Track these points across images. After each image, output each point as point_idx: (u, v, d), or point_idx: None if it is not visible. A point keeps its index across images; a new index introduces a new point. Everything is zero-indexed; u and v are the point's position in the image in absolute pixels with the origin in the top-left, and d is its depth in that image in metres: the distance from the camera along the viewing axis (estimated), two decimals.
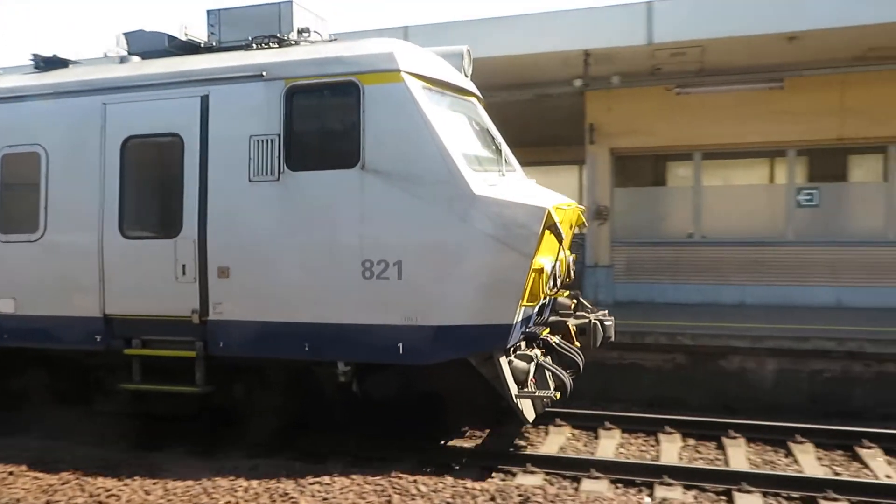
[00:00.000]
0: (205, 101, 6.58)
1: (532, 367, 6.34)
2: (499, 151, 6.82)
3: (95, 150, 6.87)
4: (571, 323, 7.25)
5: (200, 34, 7.62)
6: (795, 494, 6.07)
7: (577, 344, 7.20)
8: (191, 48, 7.47)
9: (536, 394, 6.36)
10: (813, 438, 7.44)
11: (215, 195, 6.47)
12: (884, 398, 8.77)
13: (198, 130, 6.56)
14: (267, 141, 6.34)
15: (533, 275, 6.02)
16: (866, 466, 6.87)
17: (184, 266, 6.53)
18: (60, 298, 6.97)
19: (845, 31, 9.83)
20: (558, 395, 6.54)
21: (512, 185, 6.52)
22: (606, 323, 7.33)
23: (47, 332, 7.03)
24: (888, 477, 6.54)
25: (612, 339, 7.55)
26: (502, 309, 5.99)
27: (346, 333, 6.20)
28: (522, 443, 7.51)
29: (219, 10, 7.32)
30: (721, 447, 7.43)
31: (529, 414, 6.50)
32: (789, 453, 7.25)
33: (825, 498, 5.91)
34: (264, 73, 6.42)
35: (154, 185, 6.86)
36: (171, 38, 7.41)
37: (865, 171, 12.83)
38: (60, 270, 6.95)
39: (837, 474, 6.69)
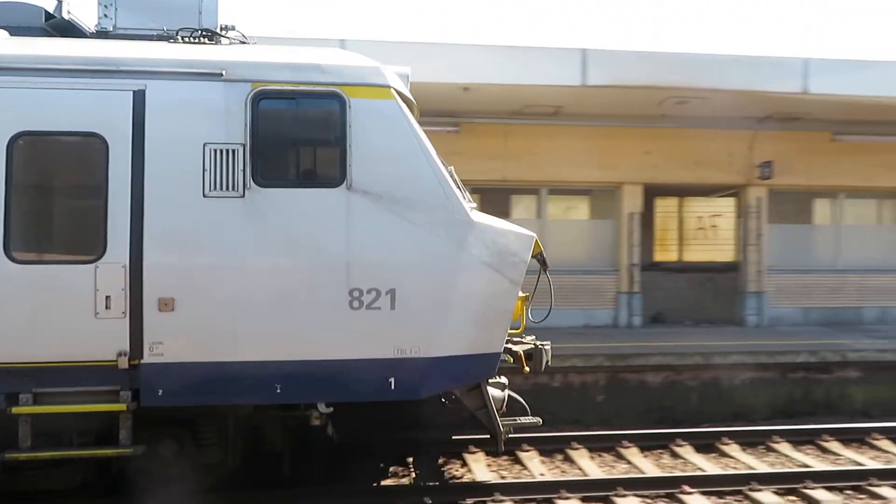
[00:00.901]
0: (139, 96, 5.42)
1: (506, 394, 6.41)
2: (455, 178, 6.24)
3: None
4: (520, 348, 6.90)
5: (85, 16, 6.37)
6: None
7: (527, 369, 6.83)
8: (74, 31, 6.20)
9: (521, 421, 6.41)
10: None
11: (156, 211, 5.34)
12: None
13: (129, 131, 5.39)
14: (227, 151, 5.47)
15: (518, 302, 6.01)
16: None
17: (107, 297, 5.28)
18: None
19: (506, 87, 11.47)
20: (540, 420, 6.61)
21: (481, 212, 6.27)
22: (547, 348, 7.00)
23: None
24: None
25: (549, 364, 7.20)
26: (494, 337, 5.89)
27: (328, 370, 5.57)
28: (460, 473, 7.45)
29: None
30: None
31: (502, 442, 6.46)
32: None
33: None
34: (224, 72, 5.53)
35: (60, 196, 5.60)
36: (49, 16, 6.15)
37: (523, 208, 14.65)
38: None
39: None
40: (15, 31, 5.90)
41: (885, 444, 8.27)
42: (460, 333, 5.75)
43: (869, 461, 7.66)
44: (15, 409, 5.18)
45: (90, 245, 5.31)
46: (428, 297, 5.64)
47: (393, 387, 5.65)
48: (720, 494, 6.62)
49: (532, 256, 5.96)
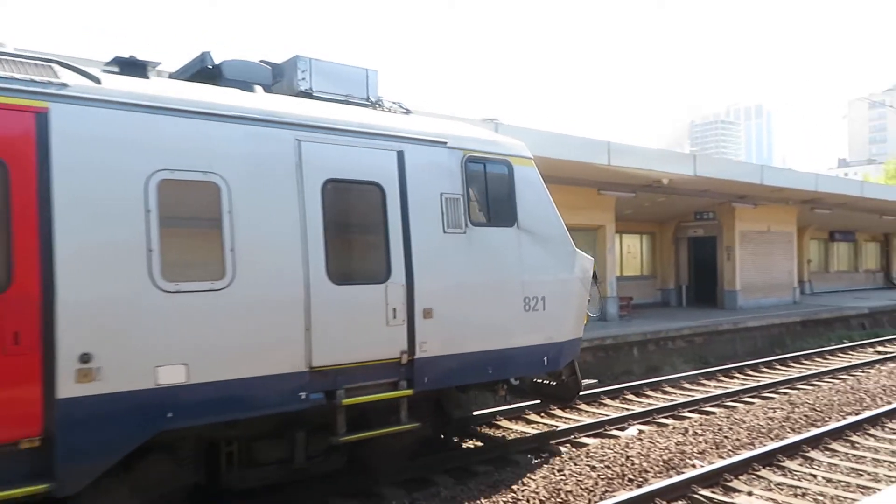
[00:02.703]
0: (401, 156, 7.00)
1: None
2: None
3: (290, 188, 6.16)
4: None
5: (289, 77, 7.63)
6: None
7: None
8: (288, 89, 7.43)
9: (588, 382, 9.43)
10: None
11: (418, 243, 6.97)
12: None
13: (396, 182, 6.91)
14: (454, 199, 7.34)
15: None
16: None
17: (394, 309, 6.72)
18: (253, 356, 5.83)
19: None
20: (597, 381, 10.51)
21: None
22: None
23: (234, 399, 5.74)
24: None
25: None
26: (581, 327, 8.61)
27: (516, 355, 7.72)
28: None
29: (309, 59, 7.54)
30: None
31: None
32: None
33: None
34: (448, 142, 7.46)
35: (356, 230, 6.73)
36: (279, 75, 7.46)
37: None
38: (255, 323, 5.83)
39: None
40: (249, 87, 6.91)
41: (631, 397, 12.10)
42: (570, 325, 8.32)
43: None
44: (345, 402, 6.36)
45: (382, 269, 6.70)
46: (559, 301, 8.12)
47: (546, 363, 8.04)
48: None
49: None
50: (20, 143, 5.03)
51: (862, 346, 18.28)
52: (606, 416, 10.56)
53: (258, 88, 6.91)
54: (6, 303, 4.82)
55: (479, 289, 7.39)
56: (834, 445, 8.71)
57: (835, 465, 8.01)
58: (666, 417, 10.21)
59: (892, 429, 9.59)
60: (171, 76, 7.27)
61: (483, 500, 6.80)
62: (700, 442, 8.78)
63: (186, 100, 5.81)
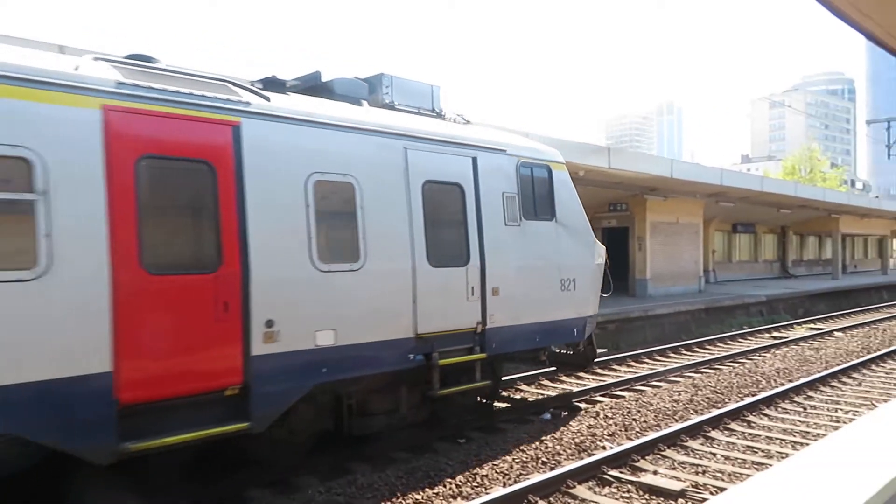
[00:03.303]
0: (475, 161, 8.53)
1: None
2: None
3: (401, 187, 7.65)
4: None
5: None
6: None
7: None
8: (364, 102, 8.47)
9: (600, 350, 10.99)
10: None
11: (487, 233, 8.46)
12: None
13: (472, 184, 8.43)
14: (511, 197, 8.83)
15: None
16: None
17: (472, 288, 8.24)
18: (378, 324, 7.27)
19: None
20: (606, 350, 12.63)
21: None
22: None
23: (366, 358, 7.21)
24: None
25: None
26: (597, 304, 10.26)
27: (555, 327, 9.38)
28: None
29: (391, 76, 8.92)
30: None
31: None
32: None
33: None
34: (506, 150, 9.01)
35: (445, 222, 8.17)
36: (372, 90, 8.72)
37: None
38: (379, 297, 7.26)
39: None
40: (357, 101, 8.22)
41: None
42: (592, 302, 10.04)
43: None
44: (442, 362, 7.83)
45: (463, 254, 8.23)
46: (584, 283, 9.76)
47: (575, 333, 9.74)
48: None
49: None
50: (222, 150, 6.24)
51: (759, 331, 19.45)
52: (524, 400, 10.82)
53: (364, 103, 8.31)
54: (219, 279, 6.09)
55: (530, 271, 8.97)
56: (732, 425, 9.24)
57: (732, 443, 8.51)
58: (579, 402, 10.55)
59: (785, 409, 10.27)
60: (287, 89, 7.97)
61: (400, 495, 6.84)
62: (610, 425, 9.13)
63: (330, 115, 7.23)
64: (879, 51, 6.96)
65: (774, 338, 18.16)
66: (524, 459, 7.73)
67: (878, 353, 14.85)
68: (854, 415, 9.68)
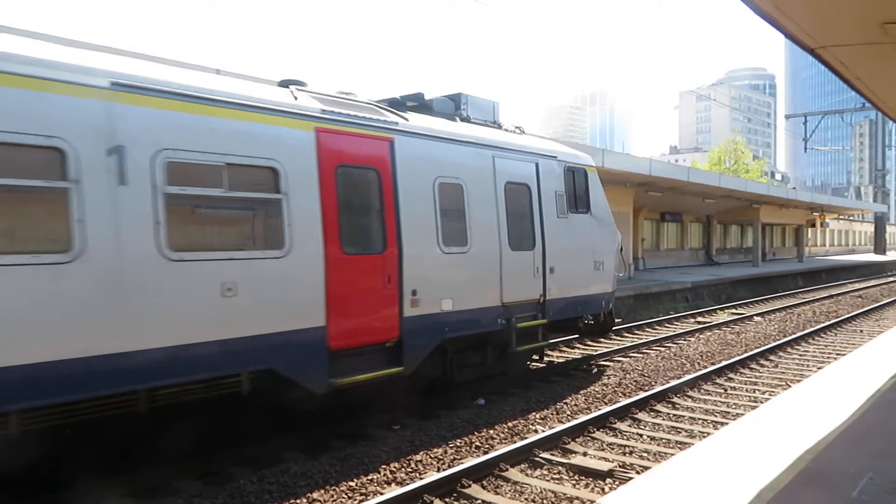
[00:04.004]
0: (537, 166, 10.60)
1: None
2: None
3: (491, 187, 9.67)
4: None
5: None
6: None
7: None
8: (457, 117, 10.36)
9: (617, 320, 14.01)
10: None
11: (546, 224, 10.59)
12: None
13: (535, 184, 10.49)
14: (560, 195, 11.00)
15: None
16: None
17: (537, 267, 10.31)
18: (476, 295, 9.28)
19: None
20: (621, 320, 15.64)
21: None
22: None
23: (470, 320, 9.17)
24: None
25: None
26: (616, 282, 12.55)
27: (591, 299, 11.65)
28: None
29: (466, 95, 10.69)
30: None
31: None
32: None
33: None
34: (557, 156, 11.19)
35: (519, 215, 10.12)
36: (457, 107, 10.45)
37: None
38: (477, 273, 9.31)
39: None
40: (452, 117, 10.13)
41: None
42: (613, 279, 12.30)
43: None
44: (522, 325, 9.94)
45: (531, 241, 10.30)
46: (610, 264, 12.00)
47: (603, 305, 12.01)
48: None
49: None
50: (384, 159, 8.18)
51: (685, 317, 20.22)
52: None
53: (457, 118, 10.22)
54: (385, 258, 8.06)
55: (574, 254, 11.11)
56: (658, 407, 9.60)
57: (658, 424, 8.85)
58: (513, 388, 10.73)
59: (707, 390, 10.73)
60: (387, 102, 9.49)
61: (334, 482, 6.82)
62: (542, 409, 9.33)
63: (445, 130, 9.28)
64: (798, 49, 7.31)
65: (699, 322, 18.91)
66: (458, 444, 7.82)
67: (793, 336, 15.68)
68: (770, 394, 10.20)
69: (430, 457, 7.42)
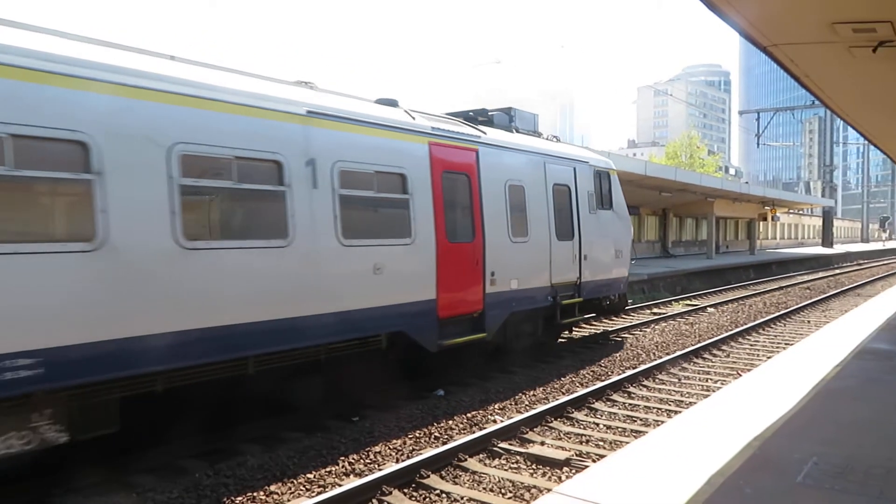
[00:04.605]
0: (574, 170, 12.72)
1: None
2: None
3: (543, 188, 11.71)
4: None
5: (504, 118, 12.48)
6: None
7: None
8: (512, 128, 12.17)
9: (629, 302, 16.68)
10: None
11: (581, 219, 12.70)
12: None
13: (574, 185, 12.62)
14: (592, 194, 13.16)
15: None
16: None
17: (574, 255, 12.37)
18: (534, 276, 11.28)
19: None
20: (632, 301, 18.89)
21: None
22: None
23: (529, 297, 11.19)
24: None
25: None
26: (629, 268, 14.68)
27: (612, 282, 13.75)
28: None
29: (515, 109, 12.60)
30: None
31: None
32: None
33: None
34: (588, 161, 13.38)
35: (561, 212, 12.14)
36: (510, 119, 12.30)
37: None
38: (534, 259, 11.33)
39: None
40: (510, 129, 12.06)
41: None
42: (627, 267, 14.44)
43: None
44: (564, 302, 12.10)
45: (570, 233, 12.36)
46: (626, 253, 14.23)
47: (621, 287, 14.25)
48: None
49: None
50: (472, 167, 10.18)
51: (641, 308, 20.56)
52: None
53: (513, 129, 12.07)
54: (474, 246, 10.01)
55: (601, 245, 13.22)
56: (615, 396, 9.78)
57: (614, 413, 9.01)
58: (472, 378, 10.79)
59: (662, 380, 10.96)
60: (463, 116, 11.50)
61: (292, 475, 6.77)
62: (501, 399, 9.40)
63: (510, 141, 11.31)
64: (752, 46, 7.48)
65: (654, 314, 19.27)
66: (418, 435, 7.84)
67: (745, 326, 16.10)
68: (721, 383, 10.47)
69: (389, 448, 7.42)
